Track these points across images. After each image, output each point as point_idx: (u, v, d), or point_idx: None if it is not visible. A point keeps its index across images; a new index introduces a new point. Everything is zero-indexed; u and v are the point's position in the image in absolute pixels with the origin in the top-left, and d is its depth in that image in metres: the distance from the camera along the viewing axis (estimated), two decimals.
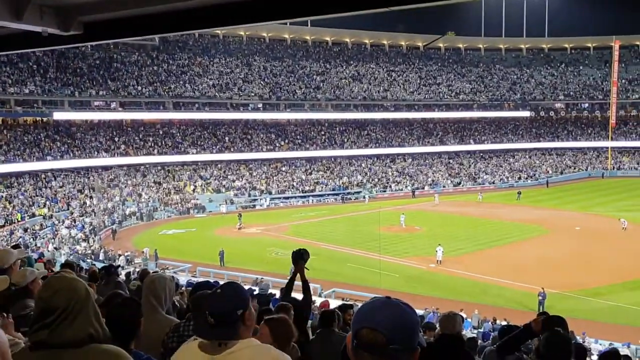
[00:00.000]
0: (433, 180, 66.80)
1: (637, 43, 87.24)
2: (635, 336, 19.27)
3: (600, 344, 17.53)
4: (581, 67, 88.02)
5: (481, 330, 19.24)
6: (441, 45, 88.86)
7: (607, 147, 76.50)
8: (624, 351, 13.97)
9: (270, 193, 58.18)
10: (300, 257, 5.78)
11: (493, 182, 68.02)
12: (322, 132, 71.04)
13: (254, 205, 55.84)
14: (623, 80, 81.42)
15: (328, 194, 60.32)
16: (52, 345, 2.10)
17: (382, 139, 72.95)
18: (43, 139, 52.83)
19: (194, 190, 56.11)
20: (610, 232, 38.28)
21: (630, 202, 50.97)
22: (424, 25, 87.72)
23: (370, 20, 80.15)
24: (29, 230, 38.16)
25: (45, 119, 54.94)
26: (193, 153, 60.73)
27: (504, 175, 70.83)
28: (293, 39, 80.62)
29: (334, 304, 12.80)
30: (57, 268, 10.95)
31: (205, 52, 71.65)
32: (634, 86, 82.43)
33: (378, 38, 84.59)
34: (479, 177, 69.25)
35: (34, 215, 42.09)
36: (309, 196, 59.04)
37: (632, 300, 24.27)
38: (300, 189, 60.26)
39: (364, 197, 58.07)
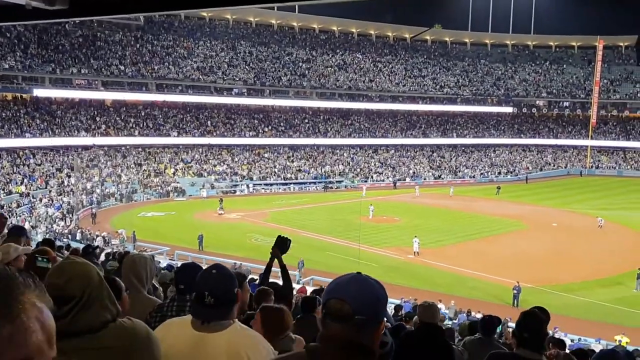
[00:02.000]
0: (414, 172, 67.19)
1: (621, 44, 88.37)
2: (606, 332, 19.66)
3: (572, 340, 17.86)
4: (565, 66, 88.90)
5: (456, 321, 19.46)
6: (428, 37, 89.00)
7: (587, 146, 77.67)
8: (596, 347, 14.25)
9: (251, 179, 58.00)
10: (282, 244, 5.80)
11: (473, 176, 68.64)
12: (306, 120, 70.89)
13: (235, 191, 55.65)
14: (605, 81, 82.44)
15: (310, 182, 60.34)
16: (68, 334, 2.05)
17: (365, 130, 73.05)
18: (22, 115, 51.90)
19: (174, 174, 55.68)
20: (587, 229, 38.90)
21: (606, 200, 51.90)
22: (412, 17, 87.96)
23: (357, 9, 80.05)
24: (5, 207, 37.54)
25: (24, 96, 53.95)
26: (175, 136, 60.21)
27: (484, 169, 71.50)
28: (280, 24, 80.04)
29: (310, 290, 12.88)
30: (34, 246, 10.78)
31: (191, 34, 70.80)
32: (615, 86, 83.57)
33: (365, 27, 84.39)
34: (459, 171, 69.82)
35: (10, 192, 41.42)
36: (290, 183, 58.98)
37: (604, 297, 24.78)
38: (282, 176, 60.16)
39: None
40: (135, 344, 2.20)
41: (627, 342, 13.82)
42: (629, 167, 76.02)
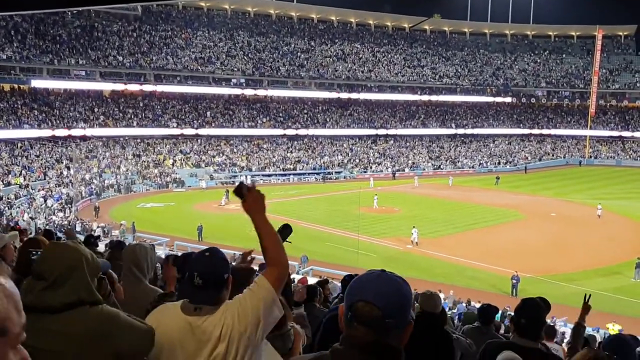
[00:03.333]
0: (414, 163, 67.17)
1: (620, 33, 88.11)
2: (605, 321, 19.74)
3: (569, 327, 17.90)
4: (564, 55, 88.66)
5: (455, 311, 19.54)
6: (427, 27, 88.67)
7: (586, 136, 77.62)
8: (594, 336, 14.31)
9: (250, 170, 57.97)
10: (284, 230, 5.74)
11: (472, 167, 68.65)
12: (305, 111, 70.74)
13: (234, 182, 55.59)
14: (604, 70, 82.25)
15: (309, 173, 60.32)
16: (37, 309, 2.12)
17: (364, 120, 72.93)
18: (20, 106, 51.74)
19: (173, 164, 55.64)
20: (585, 219, 38.98)
21: (605, 190, 51.89)
22: (411, 7, 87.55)
23: None
24: (4, 199, 37.53)
25: (22, 86, 53.76)
26: (173, 127, 60.09)
27: (483, 159, 71.49)
28: (278, 14, 79.68)
29: (311, 281, 12.99)
30: None
31: (189, 24, 70.49)
32: (614, 76, 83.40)
33: (364, 17, 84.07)
34: (458, 161, 69.81)
35: (9, 184, 41.37)
36: (289, 174, 58.97)
37: (602, 286, 24.83)
38: (281, 167, 60.13)
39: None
40: (104, 330, 2.22)
41: (619, 331, 13.92)
42: (627, 157, 75.99)
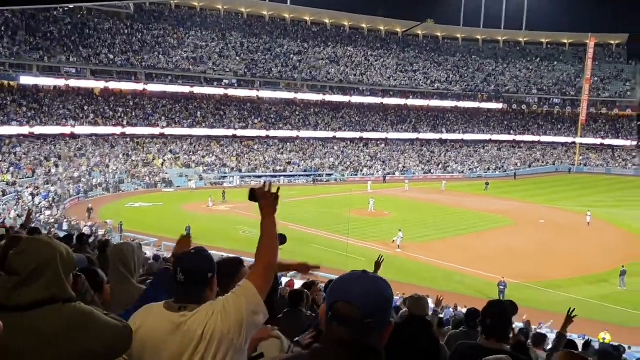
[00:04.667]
0: (404, 167, 67.30)
1: (612, 42, 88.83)
2: (590, 328, 19.81)
3: (554, 333, 17.96)
4: (556, 63, 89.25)
5: (442, 315, 19.52)
6: (420, 32, 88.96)
7: (576, 143, 78.15)
8: (579, 342, 14.35)
9: (240, 171, 57.79)
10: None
11: (462, 172, 68.91)
12: (297, 113, 70.71)
13: (223, 183, 55.42)
14: (595, 78, 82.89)
15: (299, 175, 60.24)
16: (7, 307, 2.08)
17: (356, 123, 73.01)
18: (9, 103, 51.28)
19: (162, 164, 55.36)
20: (573, 226, 39.18)
21: (594, 198, 52.23)
22: (404, 11, 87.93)
23: (350, 2, 79.87)
24: None
25: (11, 83, 53.28)
26: (164, 126, 59.78)
27: (473, 165, 71.77)
28: (272, 15, 79.63)
29: (299, 284, 12.96)
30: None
31: (181, 24, 70.27)
32: (605, 84, 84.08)
33: (357, 21, 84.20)
34: (448, 166, 70.05)
35: None
36: (280, 176, 58.80)
37: (589, 294, 24.95)
38: (272, 169, 60.01)
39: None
40: (77, 328, 2.17)
41: (609, 340, 14.00)
42: (617, 165, 76.61)
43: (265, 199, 2.66)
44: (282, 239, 6.12)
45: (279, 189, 2.77)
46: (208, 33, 71.12)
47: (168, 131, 59.67)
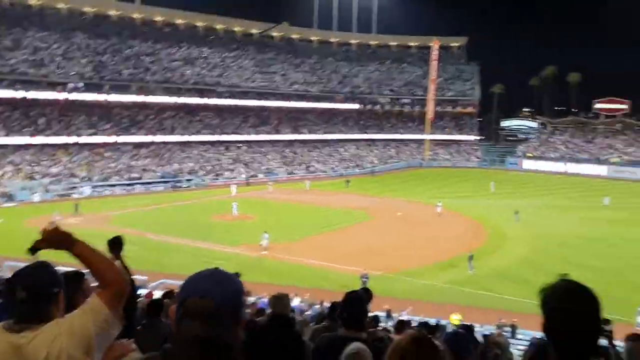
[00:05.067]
0: (268, 169, 67.13)
1: (454, 44, 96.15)
2: (446, 312, 20.77)
3: (414, 320, 18.50)
4: (404, 65, 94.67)
5: (309, 312, 19.40)
6: (276, 34, 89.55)
7: (425, 140, 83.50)
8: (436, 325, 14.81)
9: (90, 180, 53.77)
10: (113, 244, 5.42)
11: (325, 171, 70.38)
12: (151, 117, 67.56)
13: (72, 194, 51.13)
14: (440, 79, 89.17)
15: (157, 182, 57.43)
16: None
17: (215, 126, 71.51)
18: None
19: (1, 177, 49.88)
20: (427, 217, 41.51)
21: (444, 189, 56.06)
22: (260, 13, 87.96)
23: (204, 2, 78.26)
24: None
25: None
26: (1, 135, 53.93)
27: (334, 164, 73.62)
28: (120, 15, 75.38)
29: (158, 294, 12.18)
30: None
31: (18, 23, 63.90)
32: (449, 84, 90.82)
33: (211, 22, 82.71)
34: (311, 166, 71.15)
35: None
36: (135, 184, 55.63)
37: (444, 279, 26.39)
38: (127, 177, 56.58)
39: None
40: None
41: (460, 320, 14.74)
42: (461, 158, 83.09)
43: (51, 240, 2.38)
44: (118, 243, 5.60)
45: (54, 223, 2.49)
46: (49, 33, 65.47)
47: (6, 140, 53.96)
